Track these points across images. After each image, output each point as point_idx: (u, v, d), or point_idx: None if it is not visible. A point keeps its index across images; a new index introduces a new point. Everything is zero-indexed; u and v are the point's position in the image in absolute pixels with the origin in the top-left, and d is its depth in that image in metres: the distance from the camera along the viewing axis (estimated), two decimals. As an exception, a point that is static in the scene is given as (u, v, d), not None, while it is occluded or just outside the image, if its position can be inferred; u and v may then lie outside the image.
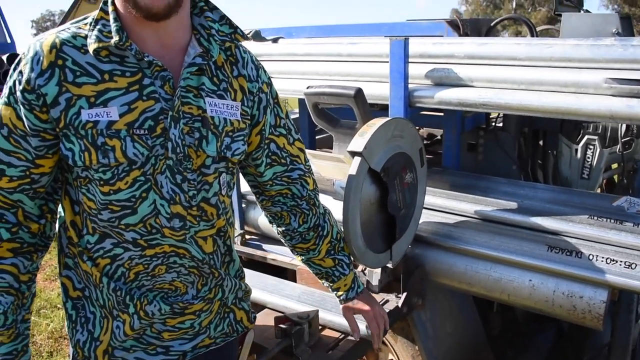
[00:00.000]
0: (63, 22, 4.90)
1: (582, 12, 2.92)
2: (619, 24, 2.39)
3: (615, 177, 2.86)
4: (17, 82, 1.08)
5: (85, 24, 1.11)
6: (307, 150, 1.77)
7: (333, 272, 1.54)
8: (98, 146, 1.08)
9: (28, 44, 1.10)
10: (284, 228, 1.48)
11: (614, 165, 2.59)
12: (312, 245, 1.49)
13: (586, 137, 2.32)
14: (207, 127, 1.17)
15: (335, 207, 2.08)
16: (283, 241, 1.55)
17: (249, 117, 1.27)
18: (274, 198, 1.44)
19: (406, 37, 1.82)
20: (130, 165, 1.11)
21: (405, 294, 1.90)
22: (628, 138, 2.36)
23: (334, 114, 1.96)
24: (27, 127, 1.09)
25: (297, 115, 3.53)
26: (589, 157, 2.32)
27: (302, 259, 1.55)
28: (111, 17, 1.08)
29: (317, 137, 2.96)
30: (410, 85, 1.89)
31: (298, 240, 1.49)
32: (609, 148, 2.33)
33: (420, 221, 1.95)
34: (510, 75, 1.74)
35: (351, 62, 2.12)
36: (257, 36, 2.50)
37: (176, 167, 1.14)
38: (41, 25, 53.25)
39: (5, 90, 1.10)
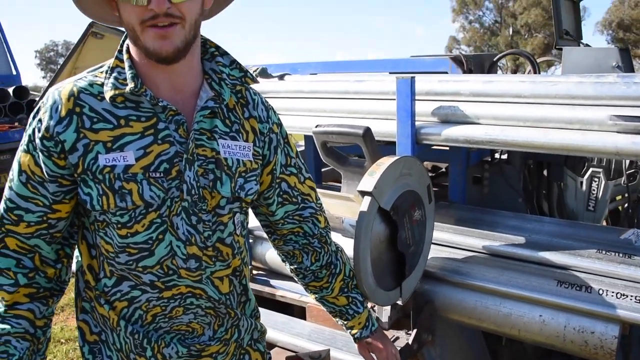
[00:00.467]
0: (70, 56, 4.97)
1: (581, 45, 2.97)
2: (618, 57, 2.43)
3: (620, 207, 2.87)
4: (36, 130, 1.11)
5: (102, 72, 1.14)
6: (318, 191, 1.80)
7: (347, 310, 1.53)
8: (115, 190, 1.10)
9: (48, 91, 1.14)
10: (296, 266, 1.49)
11: (619, 197, 2.60)
12: (325, 283, 1.49)
13: (591, 169, 2.34)
14: (221, 168, 1.19)
15: (344, 244, 2.09)
16: (296, 279, 1.55)
17: (260, 158, 1.29)
18: (285, 237, 1.44)
19: (412, 76, 1.85)
20: (147, 208, 1.13)
21: (415, 330, 1.89)
22: (632, 170, 2.38)
23: (343, 150, 1.99)
24: (45, 173, 1.11)
25: (303, 148, 3.57)
26: (594, 190, 2.34)
27: (315, 297, 1.54)
28: (126, 65, 1.13)
29: (322, 170, 2.99)
30: (417, 123, 1.92)
31: (311, 278, 1.49)
32: (614, 180, 2.35)
33: (429, 257, 1.95)
34: (516, 112, 1.77)
35: (358, 99, 2.15)
36: (264, 73, 2.54)
37: (191, 209, 1.16)
38: (44, 55, 53.85)
39: (25, 138, 1.13)
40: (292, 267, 1.51)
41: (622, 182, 2.33)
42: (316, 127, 1.85)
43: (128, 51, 1.15)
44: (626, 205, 2.66)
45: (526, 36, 35.97)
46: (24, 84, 8.06)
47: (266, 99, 2.30)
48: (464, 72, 2.35)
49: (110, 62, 1.15)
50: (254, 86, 1.33)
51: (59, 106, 1.09)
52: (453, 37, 41.67)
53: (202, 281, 1.22)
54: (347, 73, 2.71)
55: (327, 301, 1.53)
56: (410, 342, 1.86)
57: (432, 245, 1.99)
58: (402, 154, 1.93)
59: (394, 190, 1.68)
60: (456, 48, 41.64)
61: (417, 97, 1.92)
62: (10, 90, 6.92)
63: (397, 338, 1.88)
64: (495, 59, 2.49)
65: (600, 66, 2.42)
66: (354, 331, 1.56)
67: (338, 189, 2.70)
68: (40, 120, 1.11)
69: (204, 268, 1.21)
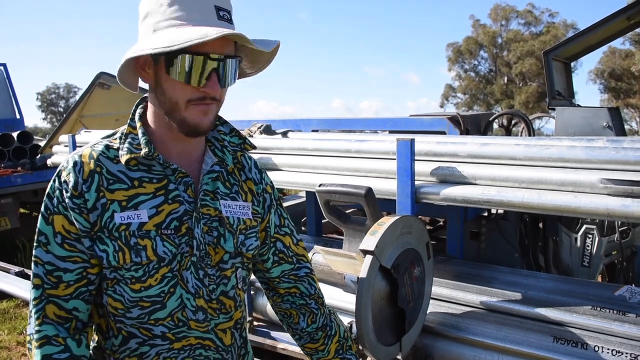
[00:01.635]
0: (77, 105, 5.09)
1: (573, 104, 3.09)
2: (609, 118, 2.53)
3: (616, 261, 2.93)
4: (63, 191, 1.18)
5: (115, 139, 1.25)
6: (319, 247, 1.86)
7: None
8: (131, 246, 1.17)
9: (66, 158, 1.22)
10: (293, 327, 1.52)
11: (614, 252, 2.66)
12: (320, 345, 1.51)
13: (585, 226, 2.41)
14: (224, 226, 1.27)
15: (346, 299, 2.14)
16: (294, 339, 1.57)
17: (259, 216, 1.37)
18: (283, 296, 1.49)
19: (412, 138, 1.93)
20: (160, 263, 1.19)
21: (415, 385, 1.92)
22: (625, 227, 2.45)
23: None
24: (79, 229, 1.17)
25: (303, 199, 3.64)
26: (588, 246, 2.40)
27: (311, 358, 1.55)
28: (139, 132, 1.23)
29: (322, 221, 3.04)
30: (416, 182, 2.00)
31: (307, 340, 1.51)
32: (607, 237, 2.41)
33: (428, 311, 2.00)
34: (512, 174, 1.85)
35: (360, 158, 2.23)
36: (268, 130, 2.63)
37: (199, 264, 1.23)
38: (46, 97, 54.35)
39: (52, 202, 1.19)
40: (289, 328, 1.54)
41: (615, 238, 2.40)
42: (320, 186, 1.92)
43: (140, 119, 1.25)
44: (621, 259, 2.72)
45: (520, 84, 36.60)
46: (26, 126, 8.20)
47: (270, 155, 2.39)
48: (461, 131, 2.45)
49: (123, 129, 1.25)
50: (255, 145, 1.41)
51: (82, 168, 1.18)
52: (449, 85, 42.34)
53: (209, 332, 1.28)
54: (348, 131, 2.80)
55: None
56: (410, 397, 1.89)
57: (431, 300, 2.04)
58: (402, 212, 2.00)
59: (394, 248, 1.75)
60: (452, 95, 42.28)
61: (416, 158, 2.01)
62: (15, 135, 7.01)
63: (398, 393, 1.91)
64: (490, 119, 2.59)
65: (591, 125, 2.52)
66: None
67: (338, 241, 2.76)
68: (65, 182, 1.18)
69: (209, 320, 1.27)
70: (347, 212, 2.09)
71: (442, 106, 43.08)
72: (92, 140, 1.30)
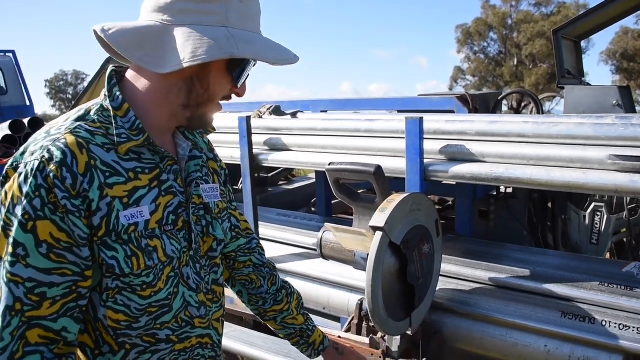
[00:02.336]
0: (86, 91, 5.11)
1: (583, 82, 3.08)
2: (618, 96, 2.53)
3: (625, 240, 2.94)
4: (55, 189, 0.96)
5: (94, 122, 1.05)
6: (330, 225, 1.89)
7: (307, 327, 1.58)
8: (143, 249, 1.05)
9: (39, 145, 0.98)
10: (256, 293, 1.50)
11: (623, 230, 2.67)
12: (285, 305, 1.54)
13: (593, 204, 2.42)
14: (210, 213, 1.23)
15: (356, 277, 2.18)
16: (254, 310, 1.55)
17: (226, 196, 1.35)
18: (239, 269, 1.49)
19: (421, 117, 1.95)
20: (164, 263, 1.10)
21: (424, 359, 1.95)
22: (634, 205, 2.46)
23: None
24: (76, 237, 0.99)
25: (313, 181, 3.67)
26: (597, 223, 2.41)
27: (275, 323, 1.56)
28: (130, 114, 1.06)
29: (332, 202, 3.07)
30: (425, 160, 2.02)
31: (271, 303, 1.52)
32: (616, 214, 2.43)
33: (437, 288, 2.03)
34: (520, 151, 1.86)
35: (369, 137, 2.25)
36: (277, 111, 2.65)
37: (195, 257, 1.18)
38: (54, 85, 54.54)
39: (29, 204, 0.95)
40: (251, 296, 1.51)
41: (624, 216, 2.41)
42: (329, 164, 1.94)
43: (126, 100, 1.07)
44: (629, 237, 2.73)
45: (530, 66, 36.26)
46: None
47: (280, 135, 2.41)
48: (470, 110, 2.45)
49: (95, 109, 1.07)
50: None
51: (74, 160, 0.98)
52: (458, 67, 42.02)
53: (210, 327, 1.24)
54: (357, 111, 2.82)
55: (287, 323, 1.55)
56: (420, 371, 1.92)
57: (441, 277, 2.06)
58: (411, 189, 2.02)
59: (404, 225, 1.77)
60: (462, 78, 41.98)
61: (425, 136, 2.02)
62: (26, 121, 7.07)
63: (408, 367, 1.95)
64: (499, 98, 2.59)
65: (600, 104, 2.52)
66: (317, 344, 1.60)
67: (347, 221, 2.80)
68: (56, 177, 0.95)
69: (208, 313, 1.23)
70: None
71: (451, 88, 42.80)
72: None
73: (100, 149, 1.02)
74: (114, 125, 1.04)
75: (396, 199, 1.75)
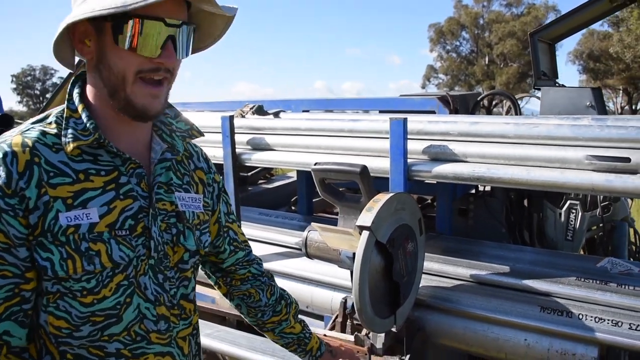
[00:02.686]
0: (61, 87, 5.01)
1: (557, 84, 3.17)
2: (591, 97, 2.62)
3: (596, 236, 3.04)
4: None
5: (50, 123, 1.05)
6: (316, 225, 1.92)
7: (304, 335, 1.56)
8: (82, 252, 1.00)
9: None
10: (254, 306, 1.47)
11: (594, 227, 2.77)
12: (284, 315, 1.51)
13: (569, 202, 2.50)
14: (182, 221, 1.16)
15: (339, 274, 2.21)
16: (254, 323, 1.53)
17: (210, 209, 1.29)
18: (240, 283, 1.46)
19: (405, 117, 1.99)
20: (114, 270, 1.04)
21: (408, 355, 1.99)
22: (607, 202, 2.55)
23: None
24: (12, 237, 0.96)
25: (292, 179, 3.69)
26: (572, 221, 2.49)
27: (274, 334, 1.53)
28: (83, 115, 1.04)
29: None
30: (408, 160, 2.06)
31: (270, 314, 1.49)
32: (590, 212, 2.51)
33: (420, 285, 2.07)
34: (501, 151, 1.92)
35: (353, 137, 2.28)
36: (260, 110, 2.67)
37: (157, 267, 1.11)
38: (21, 80, 53.25)
39: None
40: (250, 309, 1.48)
41: (597, 213, 2.50)
42: (315, 165, 1.97)
43: (82, 101, 1.06)
44: (601, 234, 2.83)
45: (501, 65, 36.83)
46: (3, 110, 8.08)
47: (263, 135, 2.42)
48: (451, 111, 2.51)
49: (58, 111, 1.06)
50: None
51: (14, 159, 0.96)
52: (431, 66, 42.43)
53: (171, 344, 1.15)
54: (339, 110, 2.85)
55: (285, 333, 1.53)
56: (404, 366, 1.97)
57: (423, 275, 2.11)
58: (395, 189, 2.06)
59: (389, 224, 1.81)
60: (434, 76, 42.42)
61: (408, 137, 2.06)
62: (-4, 119, 6.92)
63: (392, 363, 1.99)
64: (479, 99, 2.66)
65: (575, 105, 2.60)
66: (314, 350, 1.59)
67: (328, 219, 2.83)
68: None
69: (172, 329, 1.15)
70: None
71: (423, 87, 43.27)
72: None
73: (48, 149, 1.00)
74: (63, 125, 1.03)
75: (382, 198, 1.79)
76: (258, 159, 2.51)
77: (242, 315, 1.54)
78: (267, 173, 4.18)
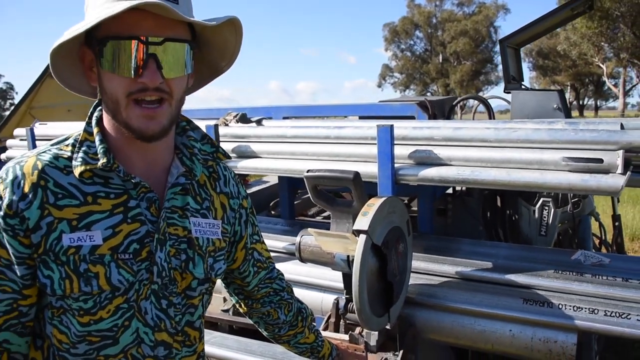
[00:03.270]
0: (26, 96, 4.94)
1: (523, 87, 3.34)
2: (558, 100, 2.78)
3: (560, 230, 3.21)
4: None
5: (67, 145, 1.08)
6: (312, 230, 1.99)
7: (318, 344, 1.63)
8: (80, 273, 1.02)
9: (6, 166, 1.05)
10: (273, 323, 1.51)
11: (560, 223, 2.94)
12: (299, 328, 1.56)
13: (542, 199, 2.65)
14: (193, 248, 1.15)
15: (328, 276, 2.29)
16: (269, 335, 1.58)
17: (228, 235, 1.27)
18: (260, 300, 1.48)
19: (392, 124, 2.08)
20: (114, 292, 1.05)
21: (401, 351, 2.09)
22: (576, 199, 2.71)
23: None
24: (11, 255, 1.01)
25: (268, 184, 3.75)
26: (545, 217, 2.64)
27: (289, 345, 1.59)
28: (97, 138, 1.07)
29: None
30: (395, 165, 2.16)
31: (287, 329, 1.54)
32: (561, 208, 2.67)
33: (409, 283, 2.18)
34: (483, 155, 2.03)
35: (339, 143, 2.37)
36: (244, 119, 2.72)
37: (161, 292, 1.10)
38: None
39: None
40: (268, 325, 1.53)
41: (568, 209, 2.66)
42: (308, 171, 2.04)
43: (98, 124, 1.10)
44: (569, 228, 3.00)
45: (455, 64, 37.62)
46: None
47: (249, 143, 2.46)
48: (429, 116, 2.62)
49: (77, 134, 1.10)
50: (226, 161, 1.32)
51: (22, 181, 1.01)
52: (386, 65, 42.97)
53: None
54: (319, 117, 2.93)
55: (300, 343, 1.59)
56: (398, 362, 2.07)
57: (411, 273, 2.21)
58: (383, 193, 2.16)
59: (383, 227, 1.90)
60: (389, 75, 42.98)
61: (394, 142, 2.16)
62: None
63: (386, 359, 2.08)
64: (454, 103, 2.78)
65: (543, 107, 2.76)
66: (326, 357, 1.68)
67: (309, 223, 2.91)
68: (0, 197, 1.00)
69: (173, 355, 1.15)
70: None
71: (379, 86, 43.88)
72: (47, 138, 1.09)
73: (59, 171, 1.04)
74: (72, 149, 1.07)
75: (375, 203, 1.88)
76: (244, 166, 2.56)
77: (258, 329, 1.59)
78: (243, 179, 4.22)
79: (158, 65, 0.99)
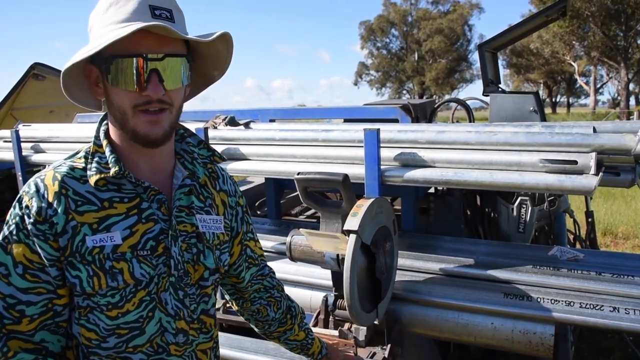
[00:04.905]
0: (8, 97, 4.90)
1: (500, 89, 3.46)
2: (534, 102, 2.90)
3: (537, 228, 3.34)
4: (25, 217, 1.10)
5: (80, 158, 1.19)
6: (304, 230, 2.07)
7: (307, 341, 1.71)
8: (106, 270, 1.12)
9: (27, 183, 1.16)
10: (263, 320, 1.61)
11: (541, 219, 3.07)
12: (289, 325, 1.64)
13: (519, 198, 2.77)
14: (202, 242, 1.27)
15: (316, 274, 2.38)
16: (261, 332, 1.67)
17: (230, 229, 1.39)
18: (252, 297, 1.57)
19: (378, 128, 2.17)
20: (137, 286, 1.15)
21: (389, 345, 2.19)
22: (552, 197, 2.84)
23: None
24: (44, 258, 1.10)
25: (253, 184, 3.81)
26: (523, 215, 2.76)
27: (280, 341, 1.68)
28: (107, 150, 1.18)
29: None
30: (381, 167, 2.25)
31: (276, 326, 1.62)
32: (538, 206, 2.79)
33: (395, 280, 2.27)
34: (466, 157, 2.13)
35: (326, 146, 2.45)
36: (232, 122, 2.78)
37: (178, 284, 1.22)
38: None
39: (10, 229, 1.12)
40: (258, 322, 1.63)
41: (545, 207, 2.78)
42: (298, 174, 2.12)
43: (106, 137, 1.20)
44: (545, 225, 3.14)
45: (430, 61, 37.95)
46: None
47: (238, 145, 2.53)
48: (412, 119, 2.72)
49: (87, 147, 1.21)
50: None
51: (45, 191, 1.11)
52: (362, 63, 43.13)
53: (188, 355, 1.26)
54: (307, 119, 3.00)
55: (290, 340, 1.68)
56: (386, 356, 2.16)
57: (397, 270, 2.31)
58: (370, 194, 2.25)
59: (371, 227, 1.99)
60: (366, 73, 43.16)
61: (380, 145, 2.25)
62: None
63: (375, 354, 2.17)
64: (435, 107, 2.88)
65: (520, 110, 2.88)
66: (316, 354, 1.75)
67: (296, 223, 2.98)
68: (27, 207, 1.11)
69: (190, 342, 1.26)
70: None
71: (355, 84, 44.01)
72: (54, 156, 1.24)
73: (76, 181, 1.15)
74: (85, 161, 1.18)
75: (364, 204, 1.97)
76: (234, 168, 2.62)
77: (250, 325, 1.68)
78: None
79: (160, 79, 1.10)
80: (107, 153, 1.17)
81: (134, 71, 1.08)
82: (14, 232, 1.11)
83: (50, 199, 1.11)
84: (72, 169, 1.16)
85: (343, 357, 1.89)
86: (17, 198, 1.14)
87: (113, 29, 1.08)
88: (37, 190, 1.12)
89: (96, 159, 1.17)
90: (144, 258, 1.16)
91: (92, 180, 1.14)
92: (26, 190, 1.13)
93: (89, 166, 1.16)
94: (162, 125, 1.14)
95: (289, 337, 1.67)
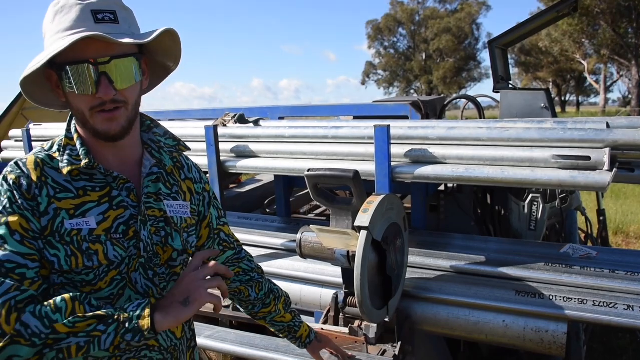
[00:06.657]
0: (17, 99, 4.92)
1: (511, 86, 3.43)
2: (545, 99, 2.88)
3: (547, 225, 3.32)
4: (15, 192, 1.17)
5: (55, 151, 1.26)
6: (314, 227, 2.06)
7: (294, 324, 1.78)
8: (83, 251, 1.21)
9: (9, 164, 1.22)
10: (245, 300, 1.68)
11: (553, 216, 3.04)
12: (272, 307, 1.71)
13: (531, 195, 2.75)
14: (170, 225, 1.36)
15: (326, 272, 2.37)
16: (247, 312, 1.73)
17: (197, 214, 1.48)
18: (229, 282, 1.62)
19: (388, 125, 2.16)
20: (109, 267, 1.24)
21: (399, 343, 2.17)
22: (564, 195, 2.81)
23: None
24: (35, 229, 1.18)
25: (262, 183, 3.81)
26: (534, 212, 2.74)
27: (266, 322, 1.75)
28: (77, 143, 1.26)
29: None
30: (392, 164, 2.23)
31: (260, 306, 1.69)
32: (550, 203, 2.77)
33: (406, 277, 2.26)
34: (477, 153, 2.12)
35: (336, 143, 2.44)
36: (242, 119, 2.78)
37: (148, 264, 1.30)
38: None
39: (2, 204, 1.17)
40: (242, 302, 1.69)
41: (557, 204, 2.76)
42: (309, 171, 2.11)
43: (77, 130, 1.28)
44: (557, 222, 3.11)
45: (438, 60, 37.83)
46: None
47: (247, 143, 2.53)
48: (422, 115, 2.70)
49: (60, 140, 1.28)
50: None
51: (30, 173, 1.20)
52: (370, 62, 43.04)
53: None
54: (314, 117, 3.00)
55: (276, 321, 1.75)
56: (397, 353, 2.14)
57: (407, 268, 2.30)
58: (380, 190, 2.24)
59: (382, 223, 1.98)
60: (373, 73, 43.08)
61: (391, 142, 2.24)
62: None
63: (385, 351, 2.16)
64: (445, 103, 2.87)
65: (531, 107, 2.86)
66: (304, 337, 1.80)
67: (305, 221, 2.97)
68: (15, 184, 1.18)
69: None
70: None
71: (363, 83, 43.97)
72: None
73: (54, 171, 1.23)
74: (60, 152, 1.26)
75: (375, 200, 1.95)
76: (243, 166, 2.62)
77: (237, 306, 1.73)
78: (237, 178, 4.27)
79: (110, 81, 1.18)
80: (78, 146, 1.26)
81: (85, 76, 1.15)
82: (8, 206, 1.17)
83: (35, 179, 1.20)
84: (50, 158, 1.24)
85: (335, 347, 1.90)
86: (1, 177, 1.21)
87: (59, 37, 1.16)
88: (22, 171, 1.20)
89: (67, 151, 1.25)
90: (117, 241, 1.25)
91: (64, 171, 1.22)
92: (10, 170, 1.21)
93: (60, 158, 1.24)
94: (119, 122, 1.22)
95: (274, 318, 1.73)
